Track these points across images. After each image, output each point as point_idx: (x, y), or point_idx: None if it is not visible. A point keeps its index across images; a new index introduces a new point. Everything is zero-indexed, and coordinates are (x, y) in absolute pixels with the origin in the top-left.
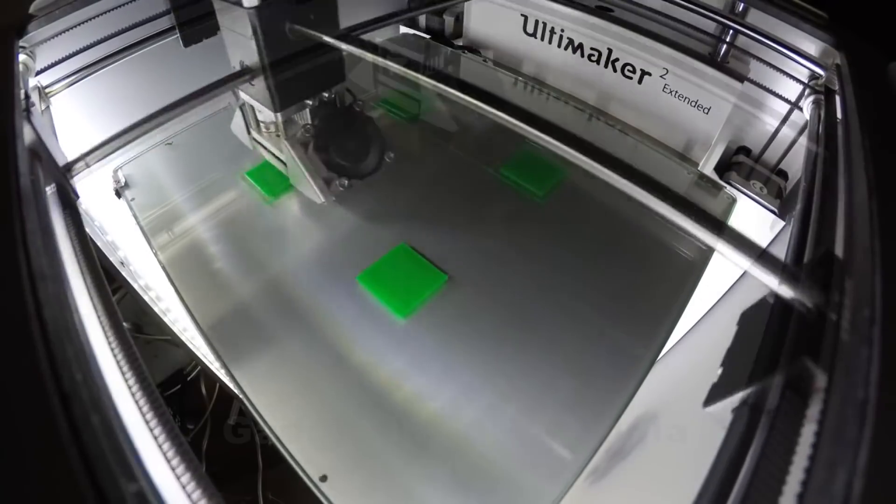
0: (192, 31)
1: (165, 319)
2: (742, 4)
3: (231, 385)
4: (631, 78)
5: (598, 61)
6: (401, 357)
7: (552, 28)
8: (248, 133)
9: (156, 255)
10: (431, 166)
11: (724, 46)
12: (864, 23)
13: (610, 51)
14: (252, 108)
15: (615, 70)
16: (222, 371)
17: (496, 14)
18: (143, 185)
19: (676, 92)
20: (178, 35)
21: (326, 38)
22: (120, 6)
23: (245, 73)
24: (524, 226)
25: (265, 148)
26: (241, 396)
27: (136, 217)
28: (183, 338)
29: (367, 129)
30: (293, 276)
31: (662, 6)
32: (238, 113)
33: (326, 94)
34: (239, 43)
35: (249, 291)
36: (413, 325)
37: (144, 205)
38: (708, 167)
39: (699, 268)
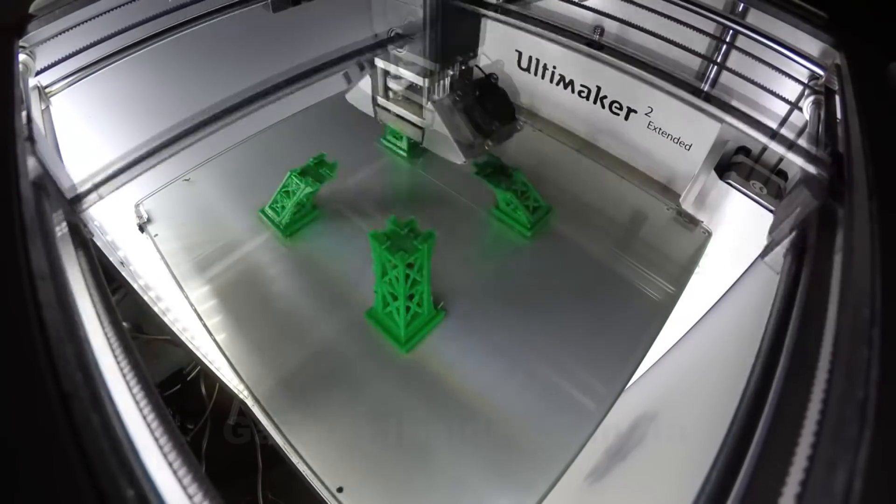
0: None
1: (165, 319)
2: (742, 4)
3: (251, 403)
4: (618, 114)
5: (587, 97)
6: (402, 386)
7: (545, 64)
8: (375, 102)
9: (183, 292)
10: (429, 208)
11: (724, 47)
12: (864, 23)
13: (599, 88)
14: (384, 74)
15: (603, 107)
16: (245, 392)
17: (492, 48)
18: (165, 220)
19: (660, 129)
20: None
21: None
22: (120, 6)
23: (395, 40)
24: (513, 264)
25: (393, 114)
26: (263, 414)
27: (160, 253)
28: (183, 338)
29: (503, 98)
30: (311, 312)
31: (650, 47)
32: (362, 83)
33: (463, 66)
34: (397, 9)
35: (270, 327)
36: (414, 357)
37: (168, 239)
38: (688, 200)
39: (667, 307)
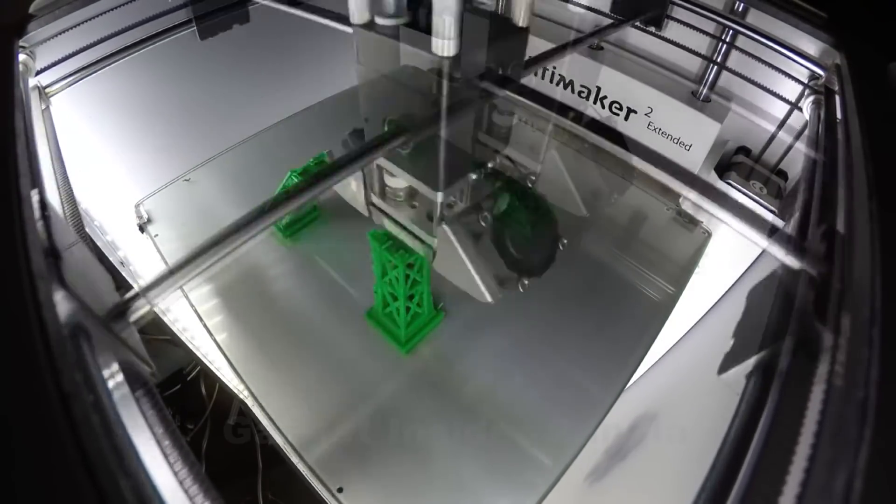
0: (210, 25)
1: (165, 319)
2: (742, 4)
3: (251, 403)
4: (618, 114)
5: (587, 97)
6: (403, 387)
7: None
8: (368, 200)
9: (183, 292)
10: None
11: (724, 47)
12: (864, 23)
13: (599, 88)
14: (379, 169)
15: (603, 107)
16: (245, 392)
17: None
18: (165, 220)
19: (660, 129)
20: (195, 28)
21: (502, 91)
22: (120, 6)
23: (397, 135)
24: None
25: (391, 219)
26: (263, 415)
27: (160, 254)
28: (183, 338)
29: (544, 212)
30: (311, 312)
31: (649, 48)
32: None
33: (490, 165)
34: (395, 93)
35: (270, 327)
36: (414, 358)
37: (168, 239)
38: (688, 201)
39: (667, 306)
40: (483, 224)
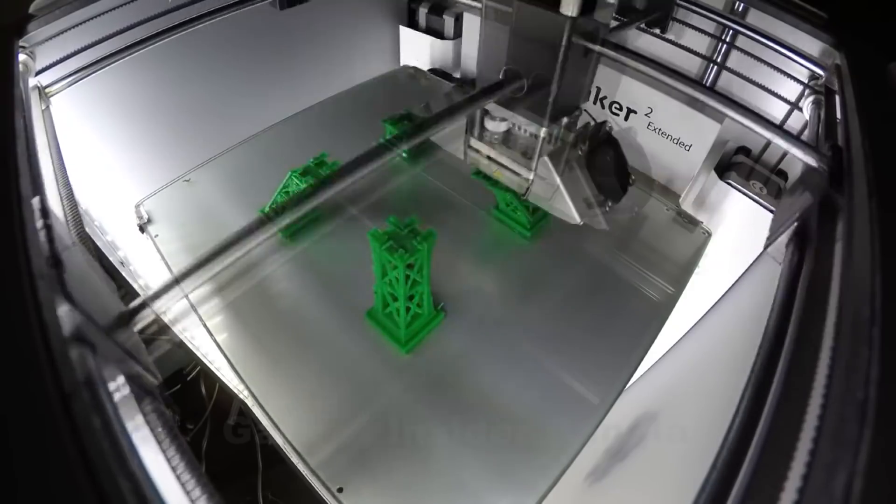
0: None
1: (165, 319)
2: (742, 4)
3: (251, 403)
4: (618, 115)
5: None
6: (403, 387)
7: None
8: (467, 142)
9: (185, 295)
10: (430, 209)
11: (724, 47)
12: (864, 23)
13: (599, 88)
14: (483, 112)
15: (603, 107)
16: (245, 392)
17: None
18: (165, 221)
19: (660, 130)
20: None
21: (596, 47)
22: (120, 6)
23: (512, 82)
24: (513, 265)
25: (493, 160)
26: (263, 415)
27: (161, 254)
28: (183, 338)
29: (618, 151)
30: (311, 312)
31: (649, 48)
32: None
33: (578, 111)
34: (522, 49)
35: (270, 327)
36: (415, 358)
37: (168, 240)
38: (688, 201)
39: (667, 305)
40: (579, 153)
